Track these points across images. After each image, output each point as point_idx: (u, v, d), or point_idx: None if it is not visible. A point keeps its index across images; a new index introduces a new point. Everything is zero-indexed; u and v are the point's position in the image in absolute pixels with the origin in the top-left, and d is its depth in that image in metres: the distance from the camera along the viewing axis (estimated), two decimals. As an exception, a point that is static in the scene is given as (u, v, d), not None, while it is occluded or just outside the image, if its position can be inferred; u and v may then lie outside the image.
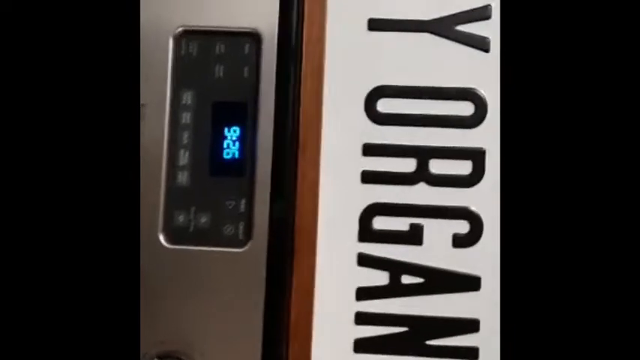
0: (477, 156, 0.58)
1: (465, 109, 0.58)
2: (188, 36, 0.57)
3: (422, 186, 0.58)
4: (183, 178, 0.57)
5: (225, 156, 0.57)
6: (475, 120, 0.58)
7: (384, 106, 0.58)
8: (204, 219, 0.57)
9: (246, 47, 0.57)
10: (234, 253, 0.56)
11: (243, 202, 0.57)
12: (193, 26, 0.57)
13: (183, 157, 0.57)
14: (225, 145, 0.57)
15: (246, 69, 0.57)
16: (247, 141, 0.57)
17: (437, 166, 0.58)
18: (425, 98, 0.58)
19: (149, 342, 0.55)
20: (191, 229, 0.57)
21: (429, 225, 0.58)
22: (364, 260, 0.58)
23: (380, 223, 0.58)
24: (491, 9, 0.58)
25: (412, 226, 0.58)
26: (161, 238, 0.57)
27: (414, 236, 0.58)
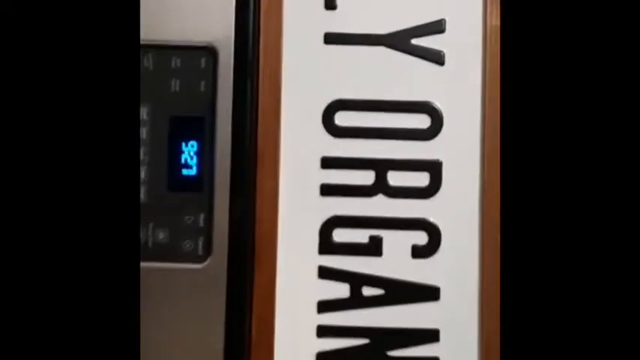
0: (434, 167, 0.58)
1: (422, 121, 0.58)
2: (144, 50, 0.56)
3: (380, 198, 0.58)
4: (140, 193, 0.56)
5: (183, 171, 0.56)
6: (431, 132, 0.58)
7: (342, 119, 0.59)
8: (162, 235, 0.56)
9: (203, 61, 0.56)
10: (193, 268, 0.56)
11: (201, 217, 0.56)
12: (149, 40, 0.56)
13: (140, 173, 0.56)
14: (182, 160, 0.56)
15: (202, 83, 0.56)
16: (205, 155, 0.56)
17: (395, 178, 0.58)
18: (382, 111, 0.58)
19: None
20: (149, 245, 0.56)
21: (389, 236, 0.58)
22: (325, 273, 0.58)
23: (340, 235, 0.58)
24: (445, 23, 0.58)
25: (372, 237, 0.58)
26: (119, 255, 0.55)
27: (373, 248, 0.58)
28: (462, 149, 0.58)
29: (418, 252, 0.58)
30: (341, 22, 0.58)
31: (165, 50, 0.56)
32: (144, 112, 0.56)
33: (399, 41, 0.58)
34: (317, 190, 0.58)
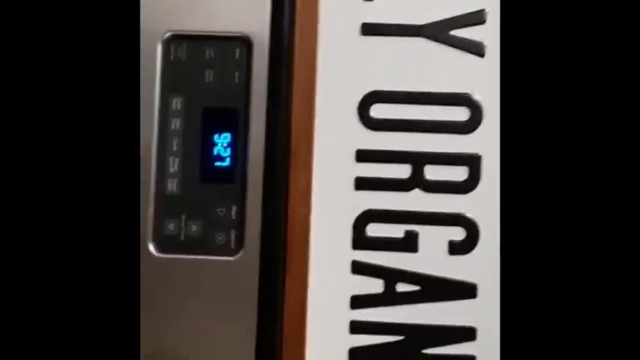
0: (472, 162, 0.57)
1: (461, 114, 0.57)
2: (177, 41, 0.56)
3: (417, 192, 0.57)
4: (173, 185, 0.56)
5: (215, 163, 0.56)
6: (471, 125, 0.57)
7: (378, 111, 0.57)
8: (194, 227, 0.56)
9: (237, 52, 0.56)
10: (225, 261, 0.55)
11: (234, 209, 0.56)
12: (182, 31, 0.56)
13: (173, 165, 0.56)
14: (215, 152, 0.56)
15: (237, 74, 0.56)
16: (238, 147, 0.56)
17: (432, 172, 0.57)
18: (419, 103, 0.57)
19: (140, 353, 0.54)
20: (182, 237, 0.56)
21: (425, 232, 0.57)
22: (358, 268, 0.57)
23: (374, 230, 0.57)
24: (485, 13, 0.57)
25: (407, 233, 0.57)
26: (151, 247, 0.55)
27: (409, 243, 0.57)
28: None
29: (455, 248, 0.57)
30: (378, 12, 0.57)
31: (198, 41, 0.56)
32: (177, 103, 0.56)
33: (438, 32, 0.57)
34: (351, 184, 0.57)
